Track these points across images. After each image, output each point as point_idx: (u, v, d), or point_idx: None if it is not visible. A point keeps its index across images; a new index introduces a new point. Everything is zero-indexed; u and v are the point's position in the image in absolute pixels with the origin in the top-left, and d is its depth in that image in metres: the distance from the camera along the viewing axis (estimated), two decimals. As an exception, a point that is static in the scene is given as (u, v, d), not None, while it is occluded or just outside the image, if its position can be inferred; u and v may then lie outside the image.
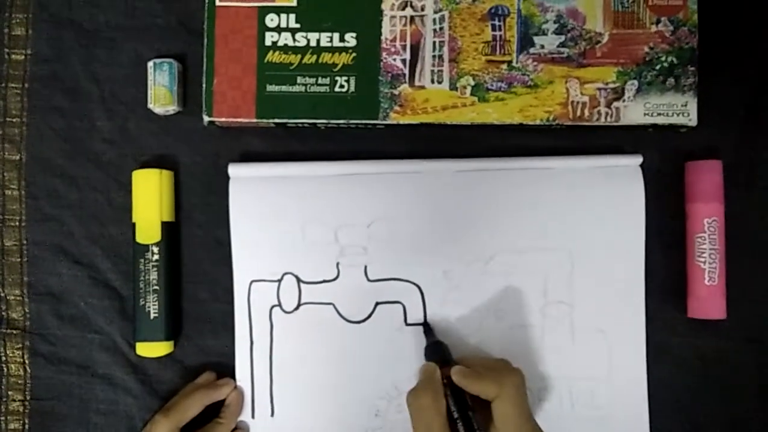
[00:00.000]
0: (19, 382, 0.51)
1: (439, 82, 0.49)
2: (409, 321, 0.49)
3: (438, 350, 0.47)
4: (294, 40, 0.49)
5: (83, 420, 0.50)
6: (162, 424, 0.46)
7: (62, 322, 0.51)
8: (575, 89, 0.48)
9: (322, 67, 0.49)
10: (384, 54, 0.48)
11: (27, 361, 0.51)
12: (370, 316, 0.49)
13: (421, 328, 0.49)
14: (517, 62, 0.48)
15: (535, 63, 0.48)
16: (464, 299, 0.49)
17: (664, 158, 0.50)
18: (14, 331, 0.51)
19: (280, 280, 0.49)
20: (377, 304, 0.49)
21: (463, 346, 0.48)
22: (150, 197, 0.49)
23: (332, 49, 0.49)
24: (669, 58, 0.48)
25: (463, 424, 0.42)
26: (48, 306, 0.51)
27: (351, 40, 0.49)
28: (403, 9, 0.49)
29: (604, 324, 0.49)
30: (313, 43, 0.49)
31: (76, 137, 0.51)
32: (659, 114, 0.48)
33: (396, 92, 0.48)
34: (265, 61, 0.49)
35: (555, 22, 0.48)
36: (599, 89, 0.48)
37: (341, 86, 0.49)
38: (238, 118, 0.49)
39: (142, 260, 0.49)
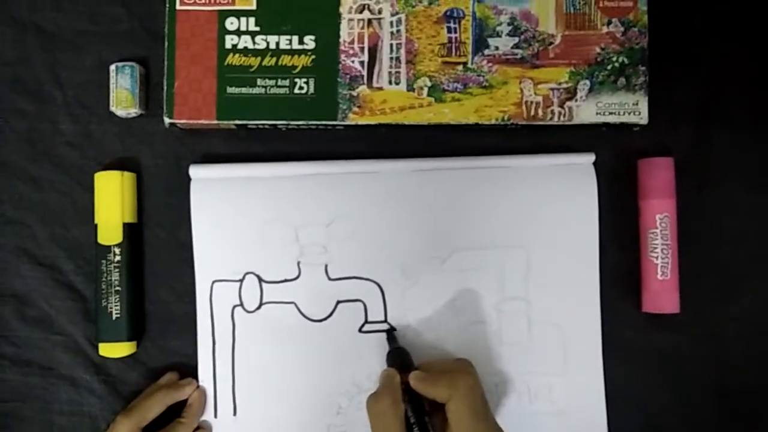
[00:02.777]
0: (-18, 384, 0.51)
1: (397, 84, 0.49)
2: (369, 319, 0.50)
3: (398, 356, 0.47)
4: (254, 42, 0.49)
5: (47, 421, 0.51)
6: (123, 425, 0.46)
7: (25, 323, 0.51)
8: (529, 89, 0.49)
9: (282, 70, 0.49)
10: (342, 56, 0.49)
11: (-10, 363, 0.51)
12: (331, 314, 0.50)
13: (380, 327, 0.50)
14: (472, 63, 0.49)
15: (490, 64, 0.49)
16: (423, 296, 0.50)
17: (617, 156, 0.51)
18: (-23, 334, 0.51)
19: (241, 280, 0.50)
20: (338, 302, 0.50)
21: (422, 343, 0.49)
22: (112, 199, 0.50)
23: (291, 52, 0.49)
24: (620, 59, 0.49)
25: (419, 428, 0.43)
26: (11, 308, 0.51)
27: (310, 42, 0.49)
28: (361, 12, 0.49)
29: (560, 319, 0.49)
30: (272, 46, 0.49)
31: (39, 140, 0.52)
32: (611, 113, 0.49)
33: (354, 93, 0.49)
34: (226, 63, 0.49)
35: (509, 24, 0.49)
36: (552, 89, 0.49)
37: (300, 88, 0.49)
38: (199, 120, 0.49)
39: (104, 261, 0.49)
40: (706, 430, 0.50)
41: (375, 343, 0.49)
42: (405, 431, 0.42)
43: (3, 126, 0.52)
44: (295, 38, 0.49)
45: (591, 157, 0.50)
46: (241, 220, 0.50)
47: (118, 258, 0.49)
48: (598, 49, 0.49)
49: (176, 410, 0.49)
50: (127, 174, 0.50)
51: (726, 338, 0.50)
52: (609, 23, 0.49)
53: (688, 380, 0.50)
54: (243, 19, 0.49)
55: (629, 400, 0.50)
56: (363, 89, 0.49)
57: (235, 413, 0.49)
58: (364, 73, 0.49)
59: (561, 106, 0.49)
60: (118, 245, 0.49)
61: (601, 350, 0.50)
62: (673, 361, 0.50)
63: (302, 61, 0.49)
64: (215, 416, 0.49)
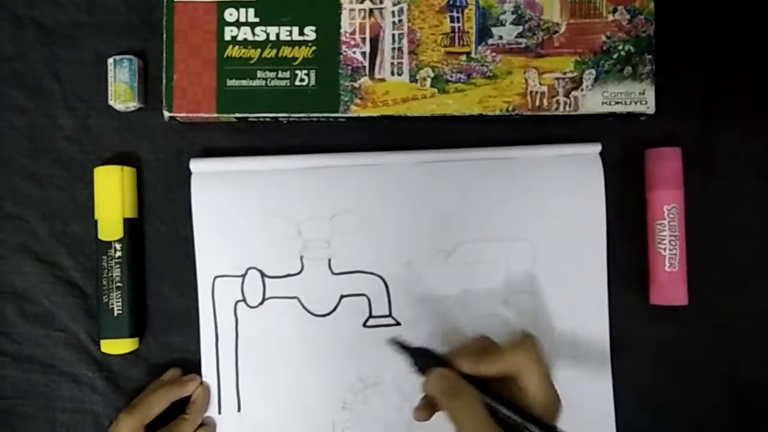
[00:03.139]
0: (-17, 381, 0.51)
1: (399, 74, 0.49)
2: (374, 313, 0.49)
3: (427, 354, 0.42)
4: (253, 34, 0.49)
5: (49, 418, 0.50)
6: (126, 422, 0.46)
7: (26, 320, 0.51)
8: (534, 79, 0.48)
9: (282, 61, 0.49)
10: (343, 47, 0.49)
11: (-9, 361, 0.51)
12: (335, 309, 0.49)
13: (384, 322, 0.49)
14: (475, 53, 0.48)
15: (494, 54, 0.48)
16: (428, 290, 0.49)
17: (623, 146, 0.50)
18: (-22, 331, 0.51)
19: (244, 275, 0.49)
20: (342, 297, 0.49)
21: (426, 337, 0.48)
22: (112, 194, 0.49)
23: (292, 43, 0.49)
24: (626, 47, 0.48)
25: (509, 409, 0.39)
26: (12, 304, 0.51)
27: (310, 33, 0.49)
28: (362, 2, 0.49)
29: (566, 312, 0.49)
30: (272, 37, 0.49)
31: (37, 135, 0.51)
32: (617, 102, 0.48)
33: (356, 85, 0.48)
34: (225, 56, 0.49)
35: (513, 13, 0.48)
36: (557, 79, 0.48)
37: (301, 80, 0.49)
38: (199, 114, 0.49)
39: (105, 257, 0.49)
40: (714, 422, 0.50)
41: (380, 337, 0.49)
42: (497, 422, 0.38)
43: (0, 122, 0.51)
44: (296, 29, 0.49)
45: (597, 148, 0.49)
46: (242, 214, 0.49)
47: (118, 254, 0.49)
48: (603, 38, 0.48)
49: (180, 407, 0.48)
50: (126, 169, 0.50)
51: (735, 330, 0.50)
52: (615, 11, 0.48)
53: (697, 373, 0.50)
54: (242, 10, 0.49)
55: (637, 393, 0.49)
56: (365, 81, 0.48)
57: (239, 409, 0.49)
58: (366, 64, 0.49)
59: (566, 95, 0.48)
60: (119, 241, 0.49)
61: (608, 343, 0.49)
62: (682, 354, 0.50)
63: (303, 52, 0.49)
64: (219, 412, 0.49)
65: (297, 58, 0.49)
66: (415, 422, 0.47)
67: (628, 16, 0.48)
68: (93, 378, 0.50)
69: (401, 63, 0.49)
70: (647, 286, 0.49)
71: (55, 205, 0.51)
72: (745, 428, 0.50)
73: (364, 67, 0.49)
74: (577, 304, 0.49)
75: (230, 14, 0.49)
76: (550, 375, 0.40)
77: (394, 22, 0.49)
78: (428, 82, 0.48)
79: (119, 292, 0.49)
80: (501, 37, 0.48)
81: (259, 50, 0.49)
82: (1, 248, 0.51)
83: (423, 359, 0.42)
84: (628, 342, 0.49)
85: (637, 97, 0.48)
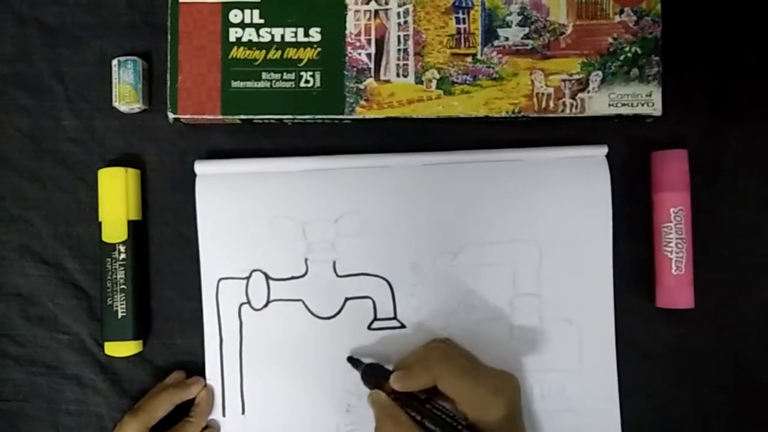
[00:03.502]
0: (-13, 383, 0.51)
1: (405, 76, 0.48)
2: (379, 316, 0.49)
3: (372, 373, 0.46)
4: (258, 35, 0.48)
5: (52, 421, 0.50)
6: (131, 425, 0.45)
7: (30, 323, 0.50)
8: (540, 81, 0.48)
9: (287, 63, 0.48)
10: (349, 48, 0.48)
11: (-5, 363, 0.51)
12: (339, 311, 0.49)
13: (389, 325, 0.49)
14: (481, 55, 0.48)
15: (500, 55, 0.48)
16: (433, 293, 0.49)
17: (629, 149, 0.50)
18: (-19, 333, 0.51)
19: (248, 278, 0.49)
20: (347, 299, 0.49)
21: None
22: (116, 196, 0.49)
23: (297, 45, 0.48)
24: (633, 49, 0.48)
25: (432, 422, 0.41)
26: (16, 307, 0.51)
27: (315, 35, 0.48)
28: (367, 3, 0.48)
29: (573, 315, 0.49)
30: (277, 39, 0.48)
31: (41, 136, 0.51)
32: (624, 104, 0.48)
33: (361, 87, 0.48)
34: (230, 57, 0.48)
35: (519, 14, 0.48)
36: (564, 80, 0.48)
37: (306, 81, 0.48)
38: (203, 115, 0.48)
39: (109, 259, 0.49)
40: (720, 426, 0.49)
41: (384, 340, 0.49)
42: None
43: (4, 123, 0.51)
44: (301, 31, 0.48)
45: (604, 150, 0.49)
46: (247, 216, 0.49)
47: (123, 256, 0.49)
48: (610, 39, 0.48)
49: (184, 409, 0.48)
50: (131, 170, 0.49)
51: (741, 334, 0.49)
52: (621, 12, 0.48)
53: (703, 376, 0.49)
54: (247, 12, 0.48)
55: (643, 397, 0.49)
56: (370, 82, 0.48)
57: (243, 412, 0.49)
58: (371, 65, 0.48)
59: (573, 97, 0.48)
60: (123, 243, 0.49)
61: (614, 346, 0.49)
62: (688, 357, 0.49)
63: (308, 54, 0.48)
64: (224, 415, 0.49)
65: (302, 60, 0.48)
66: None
67: (634, 18, 0.48)
68: (97, 380, 0.50)
69: (407, 64, 0.48)
70: (653, 288, 0.49)
71: (59, 207, 0.51)
72: (750, 431, 0.49)
73: (370, 69, 0.48)
74: (583, 306, 0.49)
75: (235, 15, 0.48)
76: (469, 371, 0.43)
77: (399, 24, 0.48)
78: (434, 83, 0.48)
79: (123, 294, 0.49)
80: (507, 39, 0.48)
81: (264, 51, 0.48)
82: (5, 250, 0.51)
83: (370, 375, 0.46)
84: (634, 345, 0.49)
85: (644, 99, 0.48)
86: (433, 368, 0.43)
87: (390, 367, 0.46)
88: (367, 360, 0.47)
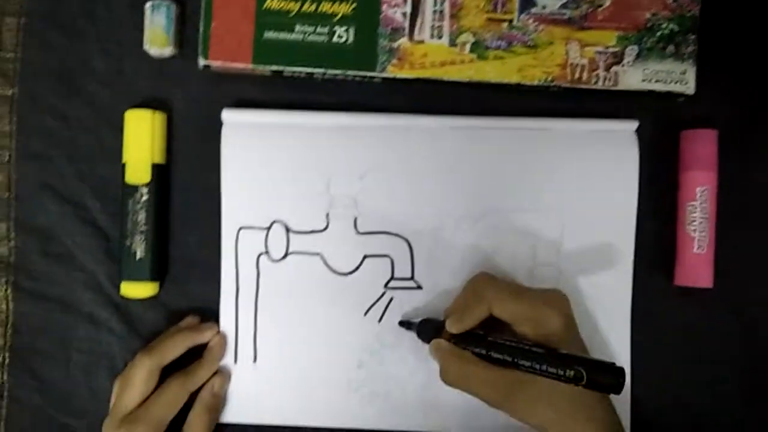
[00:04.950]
0: (1, 316, 0.51)
1: (439, 38, 0.48)
2: (396, 275, 0.49)
3: (427, 327, 0.46)
4: (294, -14, 0.48)
5: (64, 357, 0.50)
6: (143, 363, 0.46)
7: (48, 259, 0.51)
8: (575, 51, 0.48)
9: (321, 17, 0.48)
10: (384, 6, 0.48)
11: (10, 296, 0.51)
12: (357, 268, 0.49)
13: (406, 285, 0.49)
14: (518, 21, 0.48)
15: (536, 23, 0.48)
16: (453, 256, 0.49)
17: (659, 126, 0.50)
18: (-1, 266, 0.51)
19: (268, 228, 0.49)
20: (365, 257, 0.49)
21: (448, 303, 0.48)
22: (141, 138, 0.49)
23: (333, -1, 0.48)
24: (670, 26, 0.48)
25: (499, 351, 0.41)
26: (34, 242, 0.51)
27: (352, -10, 0.48)
28: (407, -39, 0.48)
29: (590, 288, 0.48)
30: (313, -9, 0.48)
31: (69, 76, 0.51)
32: (657, 81, 0.48)
33: (395, 45, 0.48)
34: (264, 7, 0.48)
35: (558, -17, 0.48)
36: (599, 53, 0.48)
37: (340, 36, 0.48)
38: (234, 63, 0.48)
39: (131, 201, 0.49)
40: (729, 407, 0.49)
41: (401, 299, 0.49)
42: (491, 369, 0.41)
43: (33, 59, 0.51)
44: (337, -16, 0.48)
45: (634, 125, 0.49)
46: (271, 167, 0.49)
47: (145, 198, 0.49)
48: (648, 15, 0.48)
49: (196, 353, 0.48)
50: (158, 113, 0.49)
51: (758, 316, 0.49)
52: (661, -12, 0.48)
53: (715, 356, 0.49)
54: (285, -38, 0.48)
55: (655, 372, 0.49)
56: (404, 41, 0.48)
57: (255, 360, 0.49)
58: (406, 25, 0.48)
59: (607, 70, 0.48)
60: (146, 185, 0.49)
61: (629, 321, 0.49)
62: (702, 336, 0.49)
63: (343, 8, 0.48)
64: (235, 362, 0.49)
65: (336, 14, 0.48)
66: (428, 385, 0.48)
67: (674, -6, 0.48)
68: (110, 320, 0.50)
69: (441, 26, 0.48)
70: (672, 267, 0.49)
71: (83, 147, 0.51)
72: (760, 414, 0.49)
73: (404, 28, 0.48)
74: (602, 280, 0.48)
75: (273, -35, 0.48)
76: (520, 291, 0.44)
77: (437, -16, 0.48)
78: (468, 47, 0.48)
79: (143, 236, 0.49)
80: (545, 7, 0.48)
81: (298, 3, 0.48)
82: (27, 186, 0.51)
83: (426, 330, 0.47)
84: (649, 321, 0.49)
85: (678, 76, 0.48)
86: (486, 296, 0.43)
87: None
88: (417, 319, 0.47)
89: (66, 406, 0.50)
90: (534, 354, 0.40)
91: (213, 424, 0.48)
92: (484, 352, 0.42)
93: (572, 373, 0.38)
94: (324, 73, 0.49)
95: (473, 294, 0.44)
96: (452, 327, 0.43)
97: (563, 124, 0.49)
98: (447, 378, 0.43)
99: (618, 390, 0.37)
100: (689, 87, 0.48)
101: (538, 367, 0.39)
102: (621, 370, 0.37)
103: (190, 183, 0.51)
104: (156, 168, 0.49)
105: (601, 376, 0.38)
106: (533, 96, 0.50)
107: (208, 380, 0.48)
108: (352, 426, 0.49)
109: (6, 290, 0.51)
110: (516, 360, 0.40)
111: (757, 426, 0.49)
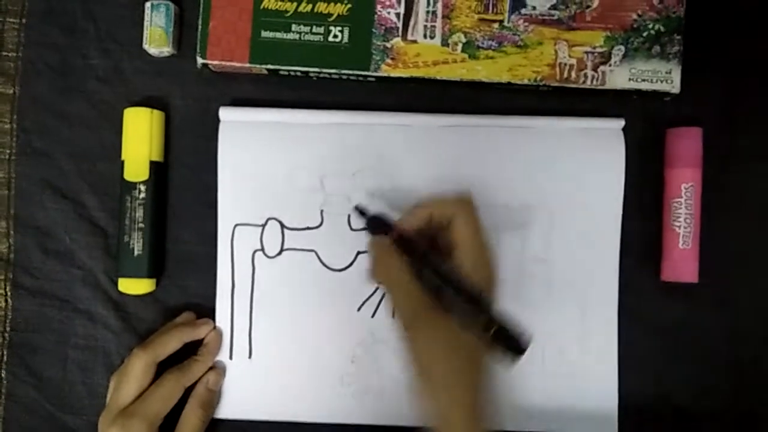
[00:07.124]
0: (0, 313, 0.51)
1: (432, 38, 0.49)
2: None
3: (378, 223, 0.45)
4: (291, -13, 0.49)
5: (61, 353, 0.51)
6: (140, 358, 0.46)
7: (46, 255, 0.51)
8: (564, 51, 0.49)
9: (317, 17, 0.49)
10: (379, 6, 0.49)
11: (8, 293, 0.51)
12: (351, 264, 0.50)
13: None
14: (508, 22, 0.49)
15: (526, 24, 0.49)
16: (444, 251, 0.50)
17: (645, 124, 0.51)
18: (-3, 262, 0.51)
19: (263, 225, 0.50)
20: (359, 253, 0.50)
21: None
22: (140, 136, 0.50)
23: (328, -1, 0.49)
24: (656, 26, 0.49)
25: (432, 269, 0.41)
26: (33, 239, 0.51)
27: (347, -9, 0.49)
28: (400, -37, 0.49)
29: (578, 283, 0.50)
30: (309, -8, 0.49)
31: (69, 74, 0.52)
32: (644, 80, 0.49)
33: (388, 45, 0.49)
34: (262, 7, 0.49)
35: (547, -15, 0.49)
36: (587, 53, 0.49)
37: (335, 36, 0.49)
38: (232, 62, 0.49)
39: (129, 198, 0.50)
40: (717, 401, 0.50)
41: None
42: (422, 287, 0.41)
43: (34, 58, 0.52)
44: (333, -14, 0.49)
45: (620, 123, 0.50)
46: (267, 164, 0.50)
47: (143, 195, 0.50)
48: (635, 16, 0.49)
49: (192, 349, 0.49)
50: (156, 112, 0.50)
51: (742, 310, 0.50)
52: (647, -10, 0.49)
53: (702, 350, 0.50)
54: (281, -36, 0.49)
55: (642, 367, 0.50)
56: (397, 41, 0.49)
57: (250, 356, 0.50)
58: (400, 25, 0.49)
59: (594, 69, 0.49)
60: (144, 182, 0.50)
61: (617, 316, 0.50)
62: (689, 331, 0.50)
63: (338, 9, 0.49)
64: (230, 357, 0.50)
65: (332, 15, 0.49)
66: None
67: (660, -4, 0.49)
68: (107, 317, 0.51)
69: (434, 26, 0.49)
70: (659, 262, 0.50)
71: (82, 144, 0.52)
72: (747, 406, 0.50)
73: (398, 28, 0.49)
74: (589, 275, 0.50)
75: (269, -34, 0.49)
76: (484, 239, 0.42)
77: (430, -14, 0.49)
78: (459, 47, 0.49)
79: (141, 232, 0.49)
80: (534, 8, 0.49)
81: (295, 4, 0.49)
82: (26, 183, 0.52)
83: (376, 224, 0.46)
84: (635, 316, 0.50)
85: (664, 75, 0.49)
86: (454, 202, 0.42)
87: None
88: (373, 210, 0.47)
89: (63, 402, 0.51)
90: (459, 287, 0.40)
91: (208, 419, 0.48)
92: (418, 267, 0.41)
93: (486, 318, 0.39)
94: (319, 72, 0.50)
95: (442, 195, 0.43)
96: (404, 215, 0.43)
97: (552, 122, 0.50)
98: (374, 274, 0.43)
99: (518, 353, 0.39)
100: (675, 86, 0.49)
101: (456, 299, 0.40)
102: (527, 339, 0.39)
103: (186, 180, 0.51)
104: (154, 165, 0.50)
105: (509, 333, 0.39)
106: (523, 95, 0.51)
107: (203, 376, 0.49)
108: (347, 421, 0.50)
109: (5, 287, 0.51)
110: (440, 286, 0.40)
111: (742, 419, 0.50)
